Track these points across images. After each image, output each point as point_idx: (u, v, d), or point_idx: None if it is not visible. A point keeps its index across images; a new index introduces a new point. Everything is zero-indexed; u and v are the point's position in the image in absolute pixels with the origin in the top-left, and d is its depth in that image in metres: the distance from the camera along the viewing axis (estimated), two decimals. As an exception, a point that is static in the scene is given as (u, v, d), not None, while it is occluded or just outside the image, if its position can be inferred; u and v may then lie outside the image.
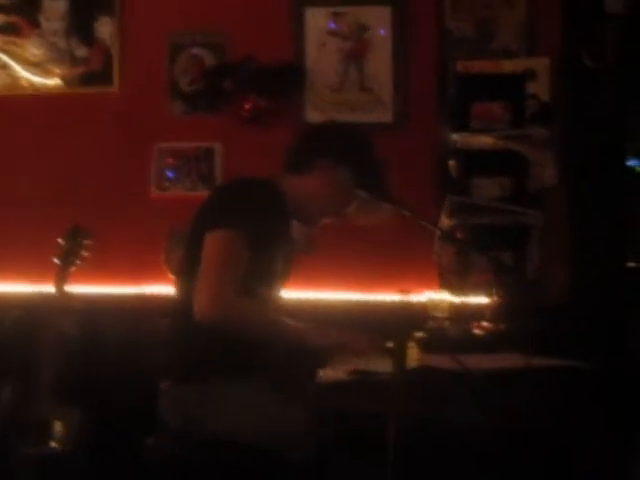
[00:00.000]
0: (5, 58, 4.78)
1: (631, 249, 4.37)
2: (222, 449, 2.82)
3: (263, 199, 2.97)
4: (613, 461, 3.00)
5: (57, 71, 4.76)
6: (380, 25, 4.53)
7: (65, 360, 3.89)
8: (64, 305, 3.92)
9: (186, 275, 2.96)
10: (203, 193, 4.47)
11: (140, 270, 4.57)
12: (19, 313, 4.50)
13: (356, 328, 2.97)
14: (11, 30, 4.79)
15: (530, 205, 4.06)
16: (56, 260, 3.90)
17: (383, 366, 2.63)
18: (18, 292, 4.62)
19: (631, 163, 4.39)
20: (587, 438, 2.58)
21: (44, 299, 4.10)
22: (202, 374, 2.91)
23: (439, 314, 3.76)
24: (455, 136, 4.10)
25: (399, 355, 2.48)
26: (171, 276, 4.46)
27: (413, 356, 2.74)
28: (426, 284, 4.13)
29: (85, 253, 3.92)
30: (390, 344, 2.75)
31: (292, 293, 3.78)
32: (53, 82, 4.77)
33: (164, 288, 4.50)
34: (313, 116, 4.50)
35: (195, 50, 4.68)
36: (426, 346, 2.98)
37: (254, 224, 2.86)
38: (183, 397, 2.93)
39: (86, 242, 3.92)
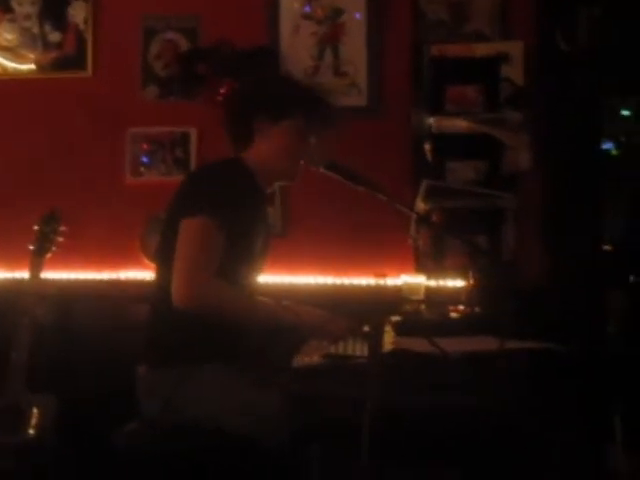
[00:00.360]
0: (-23, 43, 4.75)
1: (607, 232, 4.38)
2: (198, 435, 2.81)
3: (233, 180, 2.96)
4: (588, 443, 3.02)
5: (30, 56, 4.73)
6: (355, 9, 4.52)
7: (40, 347, 3.87)
8: (39, 291, 3.91)
9: (163, 261, 2.96)
10: (178, 178, 4.43)
11: (115, 256, 4.55)
12: (-7, 300, 4.48)
13: (332, 312, 2.97)
14: (-17, 16, 4.76)
15: (505, 188, 4.07)
16: (30, 246, 3.88)
17: (358, 350, 2.64)
18: (-8, 279, 4.59)
19: (606, 146, 4.40)
20: (562, 421, 2.59)
21: (18, 285, 4.09)
22: (179, 359, 2.90)
23: (415, 297, 3.78)
24: (430, 120, 4.10)
25: (375, 339, 2.47)
26: (147, 261, 4.45)
27: (389, 339, 2.75)
28: (402, 268, 4.13)
29: (60, 239, 3.90)
30: (366, 328, 2.75)
31: (268, 277, 3.78)
32: (26, 67, 4.74)
33: (140, 274, 4.50)
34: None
35: (169, 34, 4.65)
36: (402, 329, 2.99)
37: (227, 207, 2.85)
38: (159, 382, 2.92)
39: (61, 228, 3.90)
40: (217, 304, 2.84)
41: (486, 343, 2.61)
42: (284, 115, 3.06)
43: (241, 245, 2.95)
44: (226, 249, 2.86)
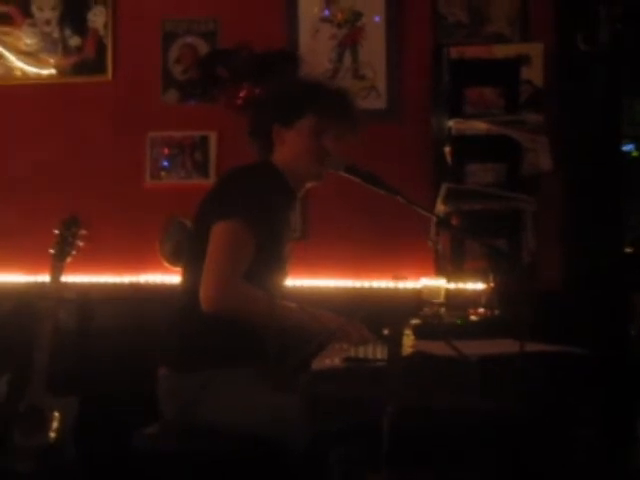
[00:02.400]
0: (-1, 48, 4.78)
1: (628, 235, 4.37)
2: (217, 438, 2.82)
3: (266, 183, 2.98)
4: (609, 445, 3.01)
5: (50, 61, 4.76)
6: (374, 12, 4.52)
7: (61, 350, 3.89)
8: (59, 295, 3.93)
9: (191, 266, 2.97)
10: (198, 182, 4.50)
11: (135, 259, 4.57)
12: (14, 303, 4.49)
13: (351, 315, 2.97)
14: (4, 20, 4.78)
15: (525, 191, 4.05)
16: (51, 250, 3.90)
17: (378, 353, 2.63)
18: (13, 282, 4.61)
19: (626, 148, 4.38)
20: (583, 424, 2.58)
21: (39, 289, 4.10)
22: (203, 362, 2.92)
23: (435, 300, 3.77)
24: (449, 122, 4.08)
25: (394, 342, 2.47)
26: (166, 265, 4.47)
27: (408, 343, 2.74)
28: (421, 271, 4.12)
29: (80, 243, 3.92)
30: (385, 331, 2.75)
31: (288, 280, 3.78)
32: (47, 72, 4.76)
33: (159, 277, 4.51)
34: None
35: (189, 38, 4.67)
36: (421, 333, 2.98)
37: (261, 211, 2.87)
38: (182, 385, 2.93)
39: (81, 232, 3.92)
40: (243, 307, 2.85)
41: (506, 346, 2.60)
42: (295, 118, 3.07)
43: (271, 249, 2.96)
44: (256, 252, 2.87)
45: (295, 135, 3.08)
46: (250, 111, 3.40)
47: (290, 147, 3.09)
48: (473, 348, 2.53)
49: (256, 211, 2.86)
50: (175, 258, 4.41)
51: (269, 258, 2.96)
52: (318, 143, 3.07)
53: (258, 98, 4.20)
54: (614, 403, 3.65)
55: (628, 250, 4.36)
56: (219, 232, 2.87)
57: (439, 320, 3.49)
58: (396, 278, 4.10)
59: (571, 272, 4.19)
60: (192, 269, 2.94)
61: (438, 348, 2.53)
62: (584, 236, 4.17)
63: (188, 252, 3.14)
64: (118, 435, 3.16)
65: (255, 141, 3.19)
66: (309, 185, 3.18)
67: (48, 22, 4.75)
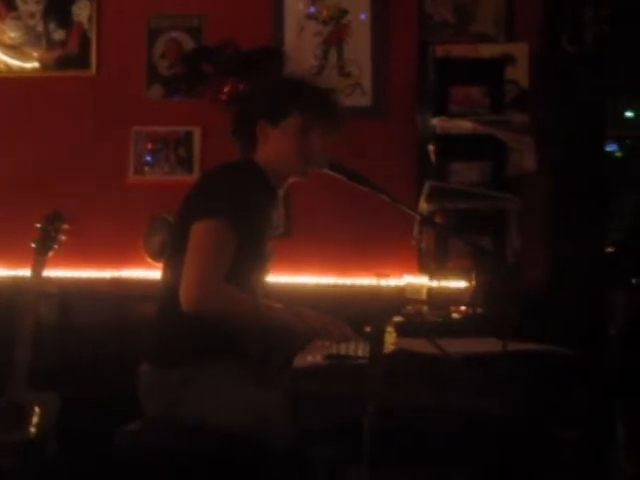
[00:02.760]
0: (-18, 41, 4.75)
1: (610, 234, 4.39)
2: (199, 435, 2.81)
3: (248, 182, 2.97)
4: (590, 445, 3.01)
5: (34, 54, 4.74)
6: (360, 9, 4.52)
7: (42, 345, 3.87)
8: (41, 290, 3.91)
9: (173, 262, 2.96)
10: (182, 177, 4.49)
11: (118, 254, 4.55)
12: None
13: (334, 312, 2.96)
14: (-13, 13, 4.76)
15: (509, 190, 4.05)
16: (33, 245, 3.88)
17: (360, 350, 2.63)
18: (-5, 277, 4.60)
19: (610, 148, 4.40)
20: (564, 422, 2.59)
21: (20, 283, 4.09)
22: (183, 359, 2.90)
23: (417, 298, 3.77)
24: (434, 121, 4.08)
25: (376, 339, 2.46)
26: (149, 260, 4.45)
27: (390, 340, 2.74)
28: (404, 268, 4.13)
29: (62, 237, 3.90)
30: (368, 328, 2.74)
31: (271, 278, 3.78)
32: (30, 65, 4.74)
33: (142, 272, 4.49)
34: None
35: (173, 34, 4.65)
36: (404, 330, 2.98)
37: (242, 210, 2.86)
38: (163, 381, 2.92)
39: (64, 227, 3.90)
40: (224, 307, 2.84)
41: (488, 344, 2.60)
42: (281, 116, 3.06)
43: (253, 247, 2.95)
44: (238, 250, 2.86)
45: (280, 133, 3.07)
46: (233, 109, 3.38)
47: (274, 145, 3.08)
48: (455, 346, 2.53)
49: (238, 210, 2.85)
50: (159, 255, 4.40)
51: (251, 256, 2.96)
52: (304, 141, 3.06)
53: (242, 95, 4.18)
54: (595, 403, 3.66)
55: (609, 249, 4.38)
56: (200, 231, 2.85)
57: (421, 318, 3.49)
58: (379, 276, 4.09)
59: (554, 272, 4.20)
60: (173, 265, 2.93)
61: (420, 346, 2.53)
62: (568, 236, 4.18)
63: (170, 248, 3.13)
64: (99, 431, 3.15)
65: (238, 139, 3.18)
66: (291, 181, 3.17)
67: (32, 15, 4.73)
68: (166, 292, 2.98)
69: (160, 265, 4.09)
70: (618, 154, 4.36)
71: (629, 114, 4.36)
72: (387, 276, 4.09)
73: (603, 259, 4.29)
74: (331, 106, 3.12)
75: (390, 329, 2.98)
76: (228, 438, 2.78)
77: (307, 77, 3.34)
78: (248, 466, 2.79)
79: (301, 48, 4.52)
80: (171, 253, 3.06)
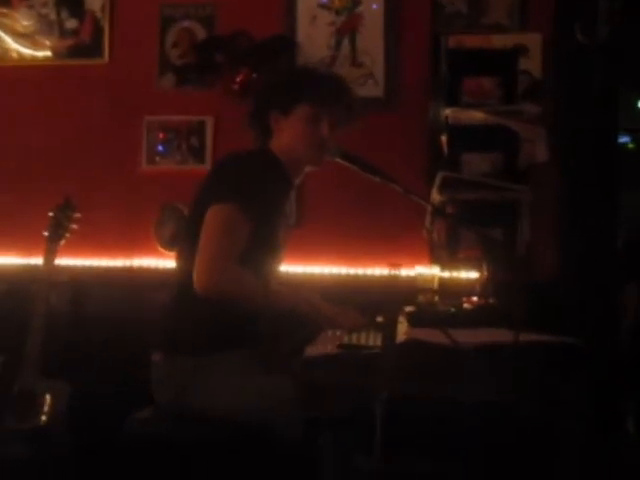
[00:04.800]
0: (-5, 30, 4.76)
1: (622, 226, 4.38)
2: (209, 423, 2.81)
3: (263, 169, 2.98)
4: (600, 435, 3.01)
5: (47, 43, 4.74)
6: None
7: (53, 333, 3.88)
8: (52, 278, 3.91)
9: (186, 250, 2.96)
10: (194, 167, 4.49)
11: (130, 243, 4.56)
12: (7, 286, 4.49)
13: (346, 302, 2.97)
14: (0, 1, 4.75)
15: (521, 181, 4.05)
16: (45, 233, 3.89)
17: (372, 340, 2.63)
18: (7, 265, 4.61)
19: (622, 140, 4.39)
20: (574, 413, 2.59)
21: (32, 272, 4.10)
22: (196, 347, 2.91)
23: (429, 288, 3.77)
24: (446, 111, 4.08)
25: (388, 329, 2.47)
26: (161, 249, 4.46)
27: (402, 330, 2.74)
28: (416, 259, 4.12)
29: (74, 226, 3.91)
30: (380, 318, 2.75)
31: (283, 267, 3.78)
32: (43, 54, 4.74)
33: (153, 261, 4.50)
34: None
35: (186, 23, 4.65)
36: (415, 320, 2.98)
37: (256, 196, 2.87)
38: (175, 369, 2.93)
39: (75, 215, 3.91)
40: (236, 291, 2.85)
41: (499, 335, 2.61)
42: (292, 105, 3.07)
43: (266, 235, 2.96)
44: (251, 238, 2.87)
45: (291, 123, 3.08)
46: (248, 99, 3.39)
47: (287, 135, 3.09)
48: (467, 336, 2.54)
49: (251, 196, 2.86)
50: (170, 243, 4.41)
51: (264, 244, 2.96)
52: (314, 130, 3.06)
53: (255, 85, 4.18)
54: (605, 393, 3.66)
55: (621, 241, 4.37)
56: (213, 215, 2.86)
57: (433, 308, 3.50)
58: (391, 266, 4.09)
59: (565, 262, 4.19)
60: (187, 253, 2.93)
61: (432, 336, 2.53)
62: (578, 227, 4.18)
63: (183, 237, 3.14)
64: (110, 419, 3.15)
65: (253, 129, 3.19)
66: (307, 170, 3.18)
67: (45, 4, 4.73)
68: (180, 279, 2.99)
69: (171, 254, 4.13)
70: (631, 146, 4.35)
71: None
72: (399, 266, 4.09)
73: (614, 250, 4.28)
74: (340, 95, 3.12)
75: (402, 319, 2.99)
76: (238, 425, 2.79)
77: (319, 66, 3.35)
78: (258, 453, 2.79)
79: (314, 38, 4.52)
80: (184, 241, 3.06)
